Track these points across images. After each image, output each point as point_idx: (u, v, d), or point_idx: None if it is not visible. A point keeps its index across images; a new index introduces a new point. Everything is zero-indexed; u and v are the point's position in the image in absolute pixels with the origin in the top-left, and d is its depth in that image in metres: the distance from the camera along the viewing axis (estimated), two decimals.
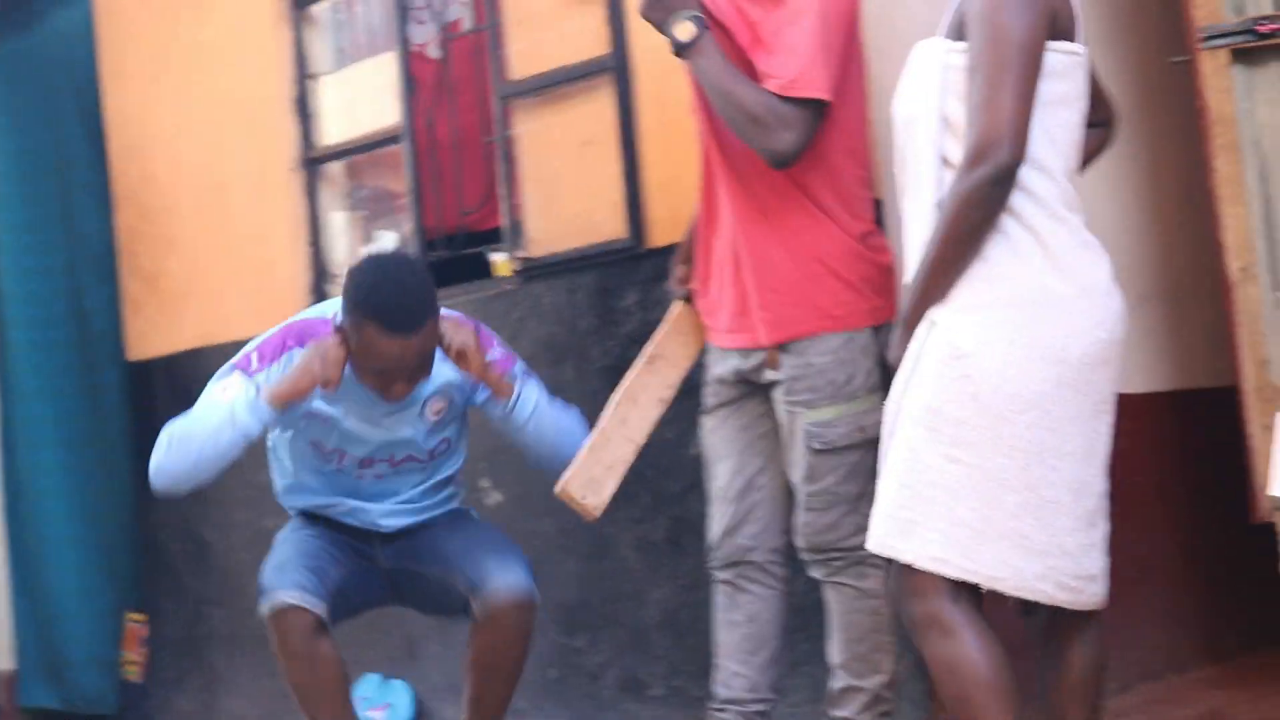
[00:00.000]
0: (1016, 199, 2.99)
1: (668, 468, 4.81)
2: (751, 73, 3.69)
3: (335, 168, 6.05)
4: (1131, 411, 3.46)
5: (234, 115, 6.13)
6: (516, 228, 5.31)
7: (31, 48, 6.78)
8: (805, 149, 3.63)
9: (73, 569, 6.65)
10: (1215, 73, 3.83)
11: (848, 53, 3.74)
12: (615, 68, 4.99)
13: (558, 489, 3.86)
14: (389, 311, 3.67)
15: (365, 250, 5.79)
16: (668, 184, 4.86)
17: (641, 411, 4.01)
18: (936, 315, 3.04)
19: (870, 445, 3.68)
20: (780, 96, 3.60)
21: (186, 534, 6.36)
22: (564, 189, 5.19)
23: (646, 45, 4.88)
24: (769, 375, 3.81)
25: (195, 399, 6.09)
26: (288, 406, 3.78)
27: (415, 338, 3.70)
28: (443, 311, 3.85)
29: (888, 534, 3.07)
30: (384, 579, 4.15)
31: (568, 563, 5.11)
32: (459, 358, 3.85)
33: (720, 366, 3.95)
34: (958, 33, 3.08)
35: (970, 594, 3.03)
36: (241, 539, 6.08)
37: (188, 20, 6.24)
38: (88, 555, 6.65)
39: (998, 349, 2.98)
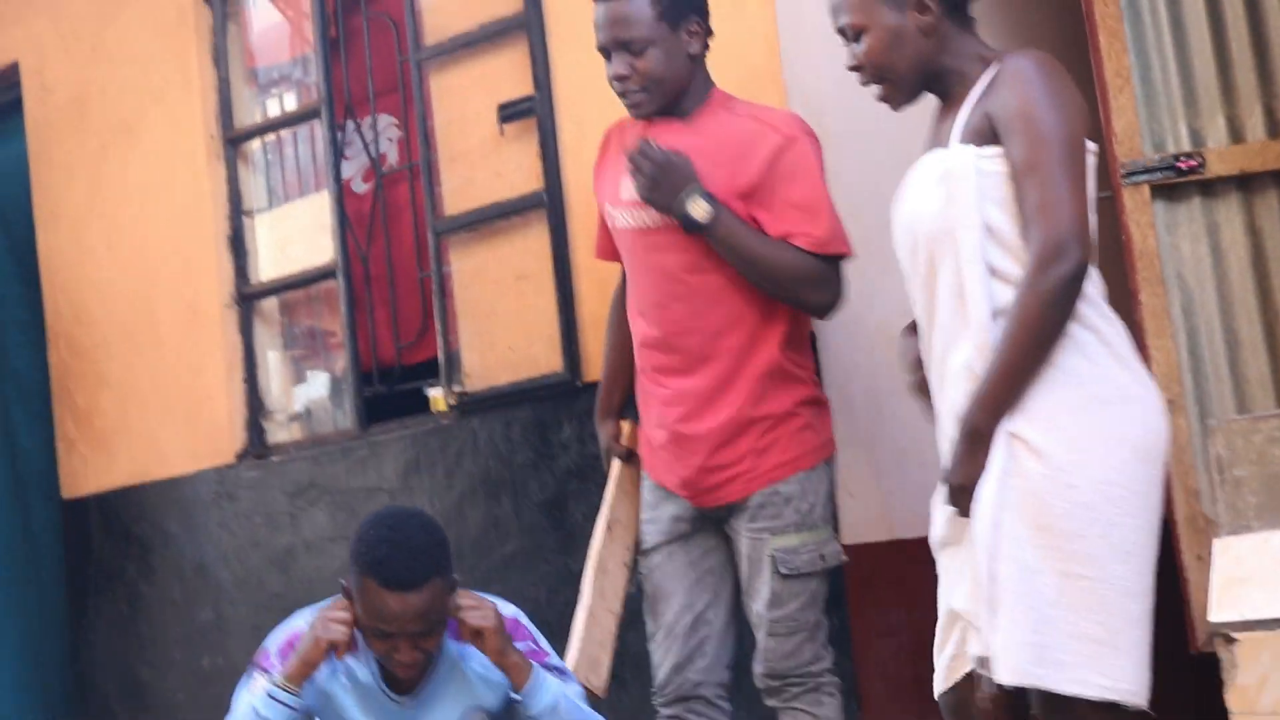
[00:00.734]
0: None
1: None
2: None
3: (270, 304, 6.05)
4: None
5: (167, 252, 6.14)
6: (452, 362, 5.32)
7: None
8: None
9: (10, 708, 6.56)
10: (1137, 208, 3.89)
11: None
12: (548, 203, 5.03)
13: None
14: (389, 565, 3.44)
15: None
16: (602, 318, 4.85)
17: (613, 580, 4.05)
18: (1014, 427, 2.97)
19: (824, 575, 3.87)
20: (815, 255, 3.78)
21: (123, 673, 6.29)
22: (499, 323, 5.22)
23: (579, 181, 4.93)
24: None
25: (130, 537, 6.09)
26: (304, 680, 3.54)
27: (416, 595, 3.42)
28: (482, 595, 3.62)
29: (1024, 661, 2.93)
30: None
31: None
32: (474, 636, 3.56)
33: (674, 505, 3.98)
34: (983, 137, 3.05)
35: (1113, 709, 2.94)
36: (178, 678, 6.03)
37: (120, 157, 6.25)
38: (22, 695, 6.57)
39: (1096, 454, 2.93)
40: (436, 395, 5.42)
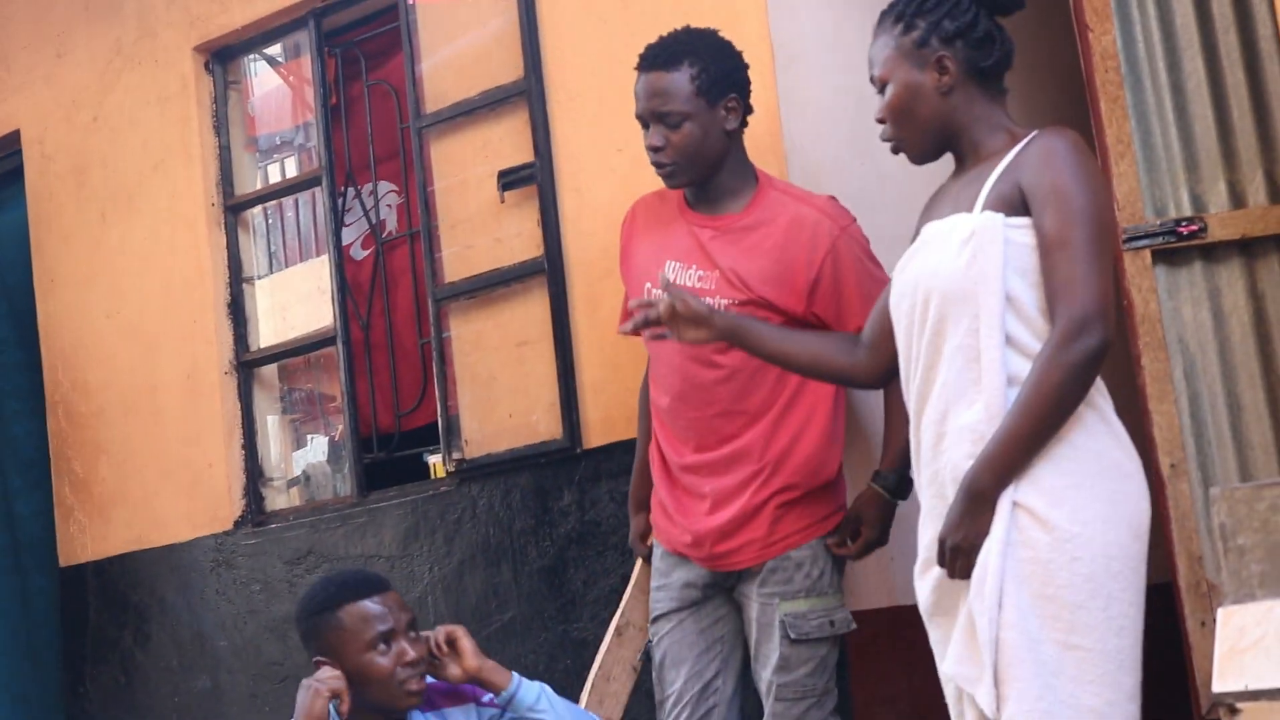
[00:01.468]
0: None
1: None
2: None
3: (269, 371, 6.05)
4: None
5: (166, 319, 6.13)
6: (452, 429, 5.31)
7: None
8: None
9: None
10: (1139, 273, 3.88)
11: None
12: (548, 269, 5.02)
13: None
14: (353, 581, 3.66)
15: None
16: (602, 384, 4.88)
17: (616, 687, 4.05)
18: (1020, 496, 3.00)
19: (834, 642, 3.91)
20: None
21: None
22: (499, 390, 5.21)
23: (579, 247, 4.94)
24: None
25: (126, 605, 6.06)
26: None
27: (390, 592, 3.64)
28: None
29: None
30: None
31: None
32: (450, 645, 3.68)
33: (686, 571, 3.98)
34: (1012, 208, 3.09)
35: None
36: None
37: (121, 225, 6.26)
38: None
39: (1098, 528, 2.98)
40: (436, 462, 5.41)
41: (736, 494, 3.88)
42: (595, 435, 4.90)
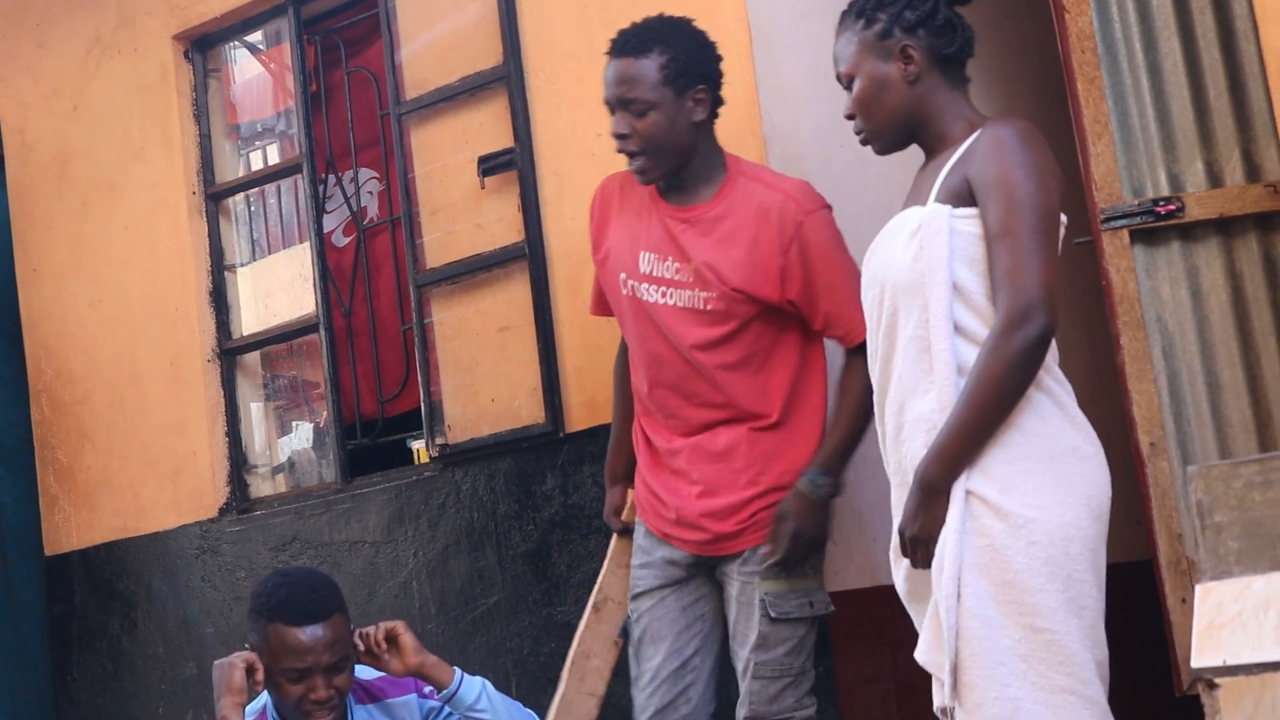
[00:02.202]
0: None
1: None
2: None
3: (252, 358, 6.05)
4: None
5: (148, 307, 6.13)
6: (435, 414, 5.32)
7: None
8: None
9: None
10: (1117, 253, 3.90)
11: None
12: (529, 255, 5.03)
13: None
14: (292, 603, 3.61)
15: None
16: (584, 369, 4.89)
17: (597, 662, 4.04)
18: (972, 485, 3.03)
19: (812, 623, 3.90)
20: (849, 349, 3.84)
21: None
22: (481, 375, 5.21)
23: (560, 232, 4.95)
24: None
25: (112, 593, 6.07)
26: (244, 709, 3.64)
27: (323, 626, 3.58)
28: None
29: (998, 716, 2.99)
30: None
31: None
32: (389, 644, 3.67)
33: (666, 548, 3.99)
34: (960, 199, 3.11)
35: None
36: None
37: (102, 214, 6.26)
38: None
39: (1054, 511, 3.00)
40: (419, 447, 5.42)
41: (724, 488, 3.89)
42: (578, 419, 4.91)
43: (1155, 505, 3.84)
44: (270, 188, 6.17)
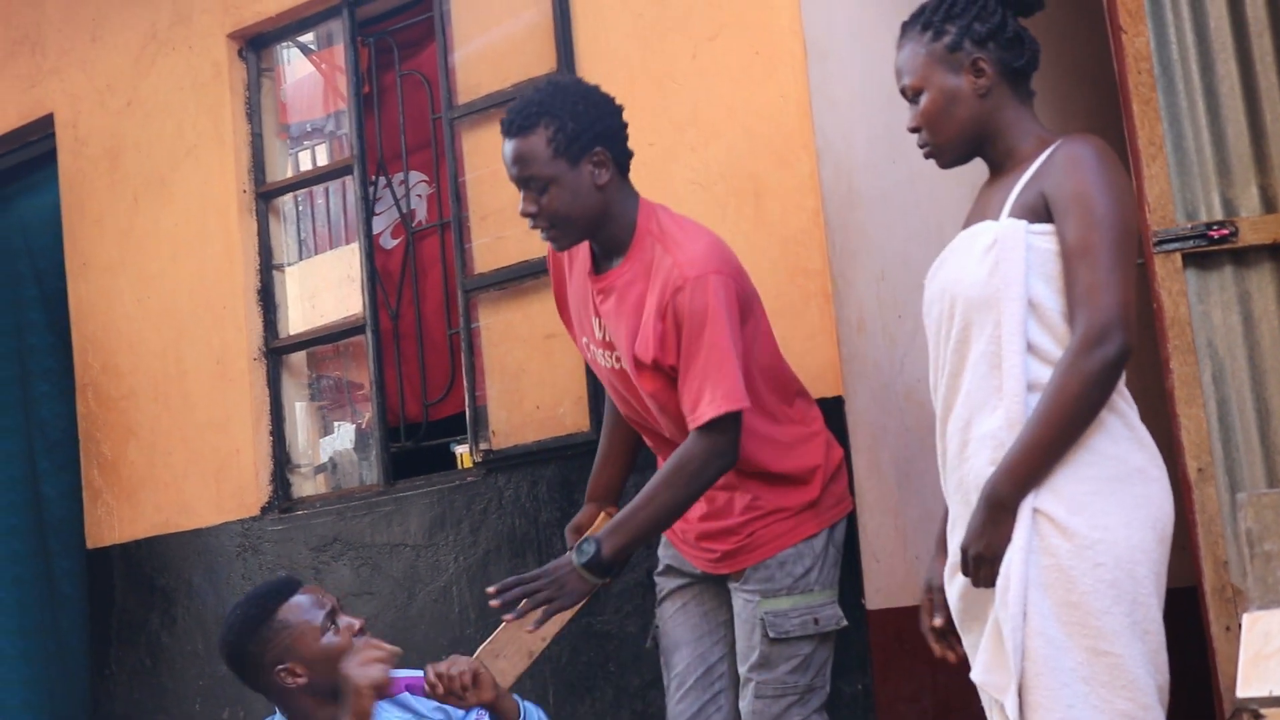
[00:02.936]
0: None
1: (629, 662, 4.78)
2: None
3: (298, 357, 6.07)
4: None
5: (196, 304, 6.16)
6: (479, 419, 5.32)
7: None
8: (739, 444, 3.69)
9: None
10: (1169, 276, 3.88)
11: (745, 309, 3.78)
12: None
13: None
14: (272, 588, 3.67)
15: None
16: None
17: (504, 665, 3.75)
18: (1040, 504, 3.02)
19: (823, 639, 3.85)
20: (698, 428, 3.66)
21: None
22: (527, 381, 5.22)
23: None
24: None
25: (153, 588, 6.09)
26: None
27: (307, 584, 3.70)
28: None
29: None
30: None
31: None
32: (475, 682, 3.61)
33: (685, 562, 4.00)
34: (1036, 214, 3.10)
35: None
36: None
37: (152, 210, 6.28)
38: None
39: (1121, 533, 2.99)
40: (463, 452, 5.42)
41: (723, 513, 3.88)
42: None
43: (1201, 531, 3.81)
44: (319, 189, 6.19)
